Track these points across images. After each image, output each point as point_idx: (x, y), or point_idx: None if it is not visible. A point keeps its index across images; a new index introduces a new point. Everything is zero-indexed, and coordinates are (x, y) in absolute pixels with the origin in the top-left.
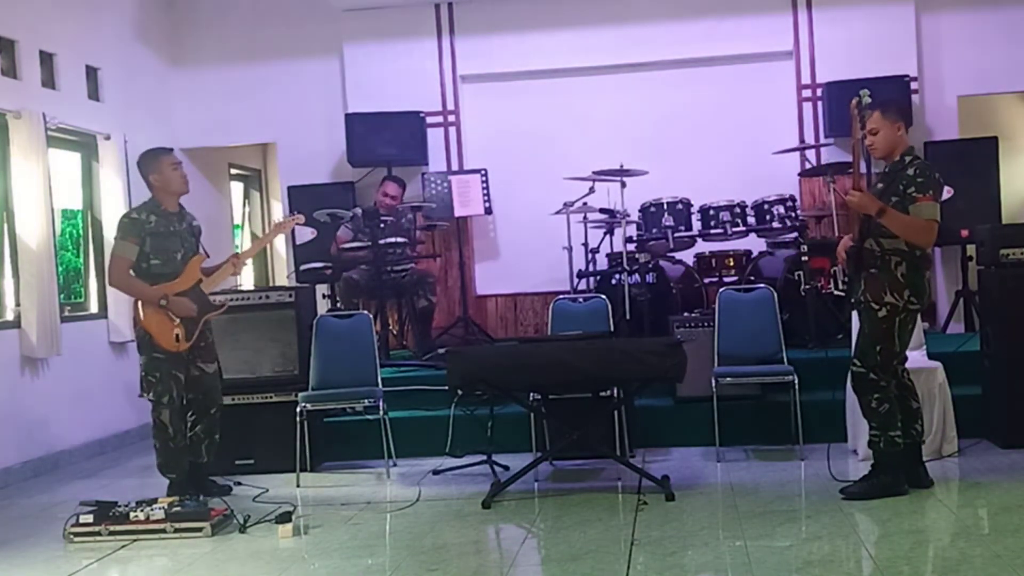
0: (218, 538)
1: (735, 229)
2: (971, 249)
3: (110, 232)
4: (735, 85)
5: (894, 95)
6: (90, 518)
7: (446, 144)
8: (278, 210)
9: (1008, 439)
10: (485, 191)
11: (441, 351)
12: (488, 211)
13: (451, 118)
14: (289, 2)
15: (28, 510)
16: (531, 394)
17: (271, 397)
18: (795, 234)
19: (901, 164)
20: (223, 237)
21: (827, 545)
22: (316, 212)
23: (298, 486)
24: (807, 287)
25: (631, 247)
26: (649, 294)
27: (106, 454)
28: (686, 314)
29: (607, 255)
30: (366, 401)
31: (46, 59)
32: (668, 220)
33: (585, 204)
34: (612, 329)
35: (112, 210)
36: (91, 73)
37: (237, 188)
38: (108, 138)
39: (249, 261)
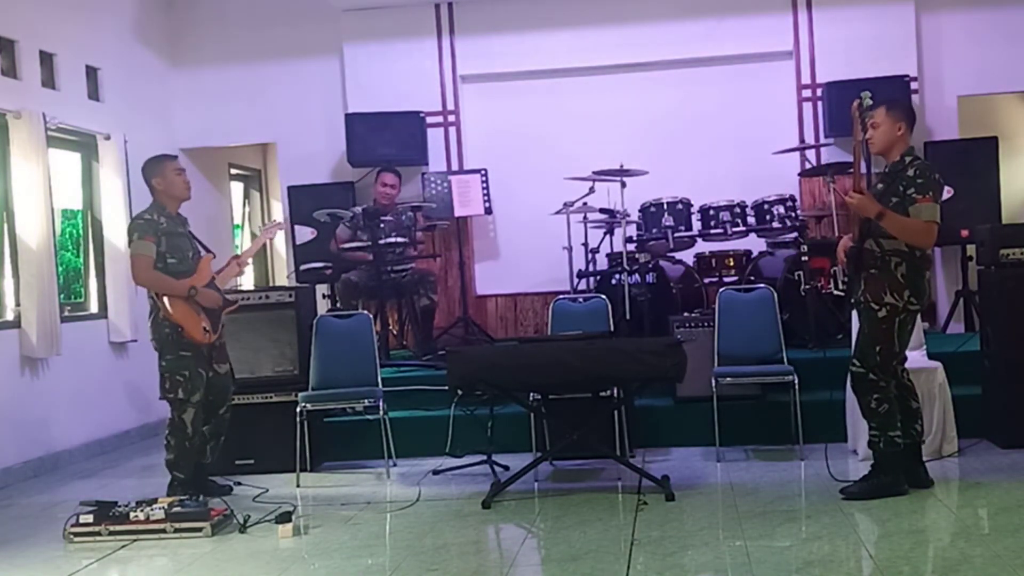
0: (218, 538)
1: (735, 229)
2: (971, 249)
3: (110, 232)
4: (735, 85)
5: (894, 95)
6: (90, 518)
7: (446, 144)
8: (278, 210)
9: (1008, 439)
10: (485, 191)
11: (441, 351)
12: (488, 211)
13: (451, 118)
14: (289, 2)
15: (28, 510)
16: (531, 394)
17: (271, 397)
18: (795, 234)
19: (901, 164)
20: (223, 237)
21: (827, 545)
22: (316, 212)
23: (298, 486)
24: (807, 287)
25: (631, 247)
26: (649, 294)
27: (106, 454)
28: (686, 314)
29: (607, 255)
30: (366, 401)
31: (46, 59)
32: (668, 220)
33: (585, 204)
34: (612, 329)
35: (112, 210)
36: (91, 73)
37: (237, 188)
38: (108, 138)
39: (249, 261)
